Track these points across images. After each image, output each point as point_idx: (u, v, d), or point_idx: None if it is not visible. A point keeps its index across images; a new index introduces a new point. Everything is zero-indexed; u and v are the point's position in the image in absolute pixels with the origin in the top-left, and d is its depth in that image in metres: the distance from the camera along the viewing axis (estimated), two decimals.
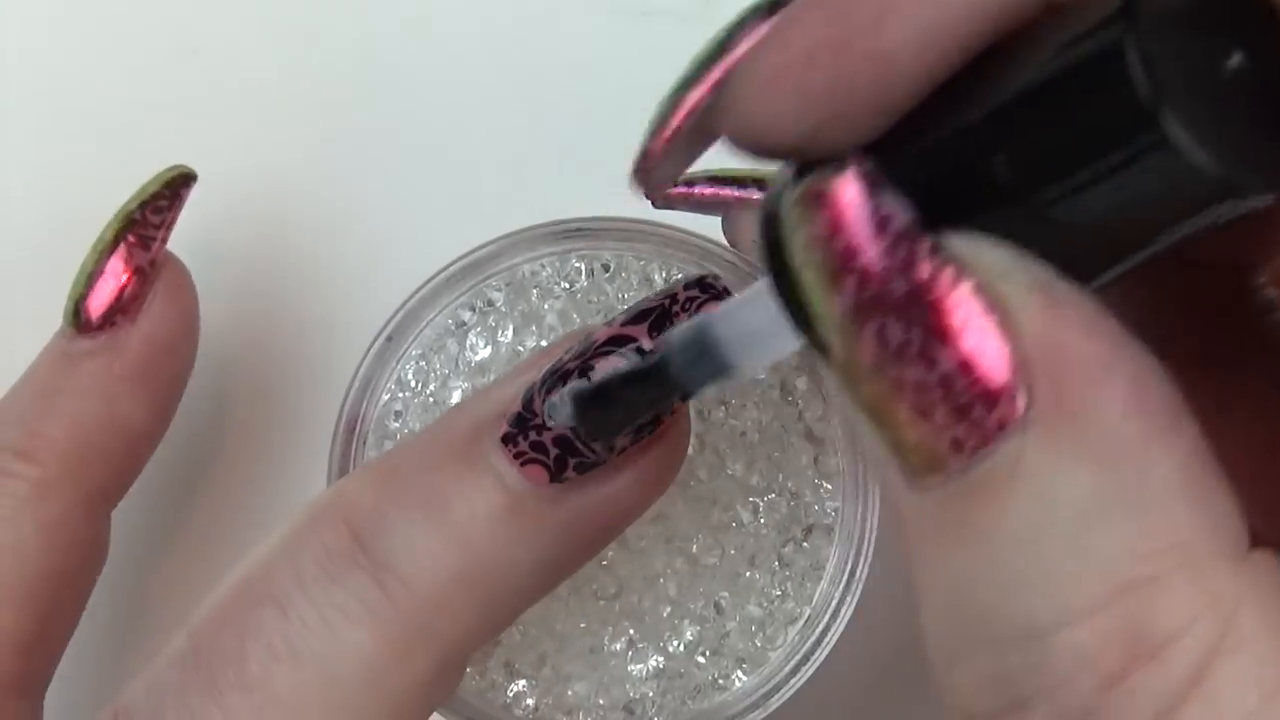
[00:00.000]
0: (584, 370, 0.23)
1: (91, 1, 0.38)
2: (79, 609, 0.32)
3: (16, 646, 0.29)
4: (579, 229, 0.30)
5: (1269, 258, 0.23)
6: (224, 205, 0.33)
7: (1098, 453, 0.16)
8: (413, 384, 0.30)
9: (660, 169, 0.22)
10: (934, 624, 0.18)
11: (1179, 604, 0.16)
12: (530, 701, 0.30)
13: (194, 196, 0.34)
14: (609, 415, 0.23)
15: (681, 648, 0.30)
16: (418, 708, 0.24)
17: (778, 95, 0.19)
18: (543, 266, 0.30)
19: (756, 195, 0.31)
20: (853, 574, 0.29)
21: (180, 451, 0.36)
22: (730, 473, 0.30)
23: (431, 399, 0.30)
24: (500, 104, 0.37)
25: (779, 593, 0.30)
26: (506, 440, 0.24)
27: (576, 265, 0.30)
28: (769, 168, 0.20)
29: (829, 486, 0.30)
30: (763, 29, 0.20)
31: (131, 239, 0.31)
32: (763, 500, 0.30)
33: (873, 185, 0.17)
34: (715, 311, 0.22)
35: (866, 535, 0.29)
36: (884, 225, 0.17)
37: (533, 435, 0.23)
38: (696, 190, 0.31)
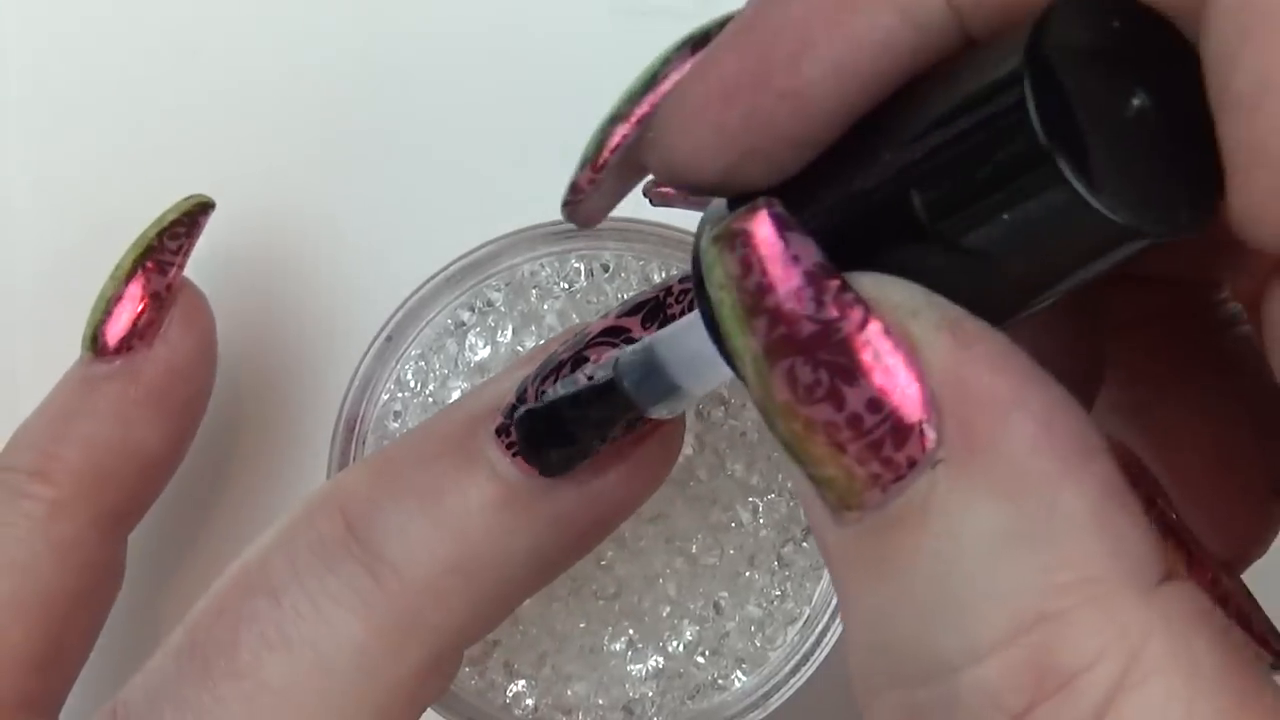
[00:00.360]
0: (577, 361, 0.24)
1: (90, 6, 0.38)
2: (94, 631, 0.32)
3: (29, 665, 0.30)
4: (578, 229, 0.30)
5: (1236, 273, 0.23)
6: (224, 206, 0.33)
7: (1005, 488, 0.17)
8: (412, 384, 0.30)
9: (589, 202, 0.22)
10: (854, 658, 0.18)
11: (1086, 637, 0.16)
12: (530, 701, 0.30)
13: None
14: (561, 438, 0.23)
15: (681, 648, 0.30)
16: (410, 699, 0.24)
17: (697, 131, 0.19)
18: (542, 266, 0.30)
19: None
20: None
21: None
22: (730, 473, 0.30)
23: (431, 399, 0.30)
24: (500, 104, 0.37)
25: (778, 593, 0.30)
26: (500, 431, 0.24)
27: (576, 265, 0.30)
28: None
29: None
30: (687, 65, 0.20)
31: (149, 265, 0.32)
32: (762, 500, 0.30)
33: (782, 225, 0.17)
34: (663, 332, 0.23)
35: None
36: (793, 265, 0.17)
37: None
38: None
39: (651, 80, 0.21)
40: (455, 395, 0.30)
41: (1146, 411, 0.23)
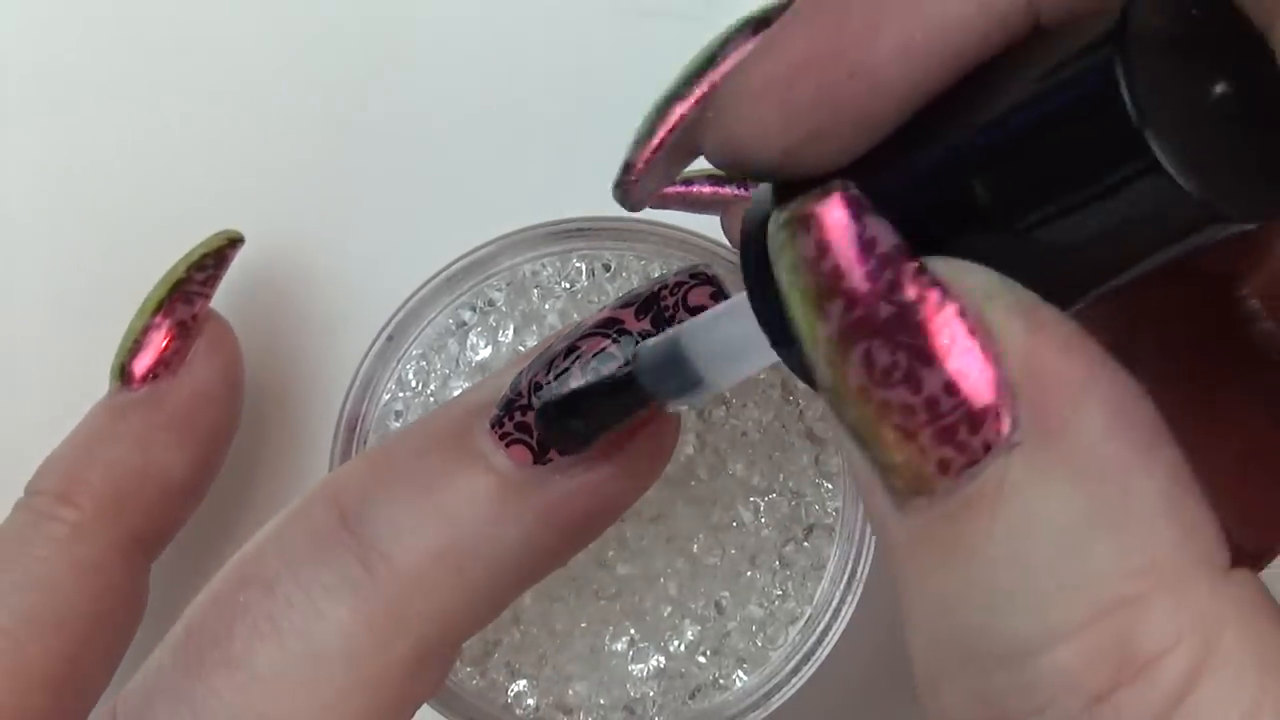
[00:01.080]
0: (570, 351, 0.24)
1: (91, 6, 0.38)
2: (114, 657, 0.32)
3: (44, 683, 0.30)
4: (579, 229, 0.30)
5: (1254, 269, 0.23)
6: (225, 206, 0.33)
7: (1080, 472, 0.17)
8: (413, 383, 0.30)
9: (643, 182, 0.22)
10: (920, 645, 0.18)
11: (1164, 622, 0.16)
12: (531, 701, 0.30)
13: (195, 196, 0.34)
14: (576, 425, 0.24)
15: (682, 647, 0.30)
16: (401, 692, 0.24)
17: (762, 110, 0.19)
18: (543, 266, 0.30)
19: None
20: (854, 573, 0.29)
21: None
22: (731, 472, 0.30)
23: (432, 399, 0.30)
24: (501, 104, 0.37)
25: (780, 592, 0.30)
26: (495, 424, 0.24)
27: (577, 265, 0.30)
28: None
29: (830, 486, 0.30)
30: (749, 45, 0.20)
31: (176, 297, 0.32)
32: (763, 500, 0.30)
33: (858, 208, 0.18)
34: (688, 324, 0.22)
35: (867, 535, 0.29)
36: (870, 248, 0.17)
37: (518, 416, 0.24)
38: (695, 189, 0.31)
39: (711, 59, 0.21)
40: (456, 394, 0.30)
41: (1168, 407, 0.24)
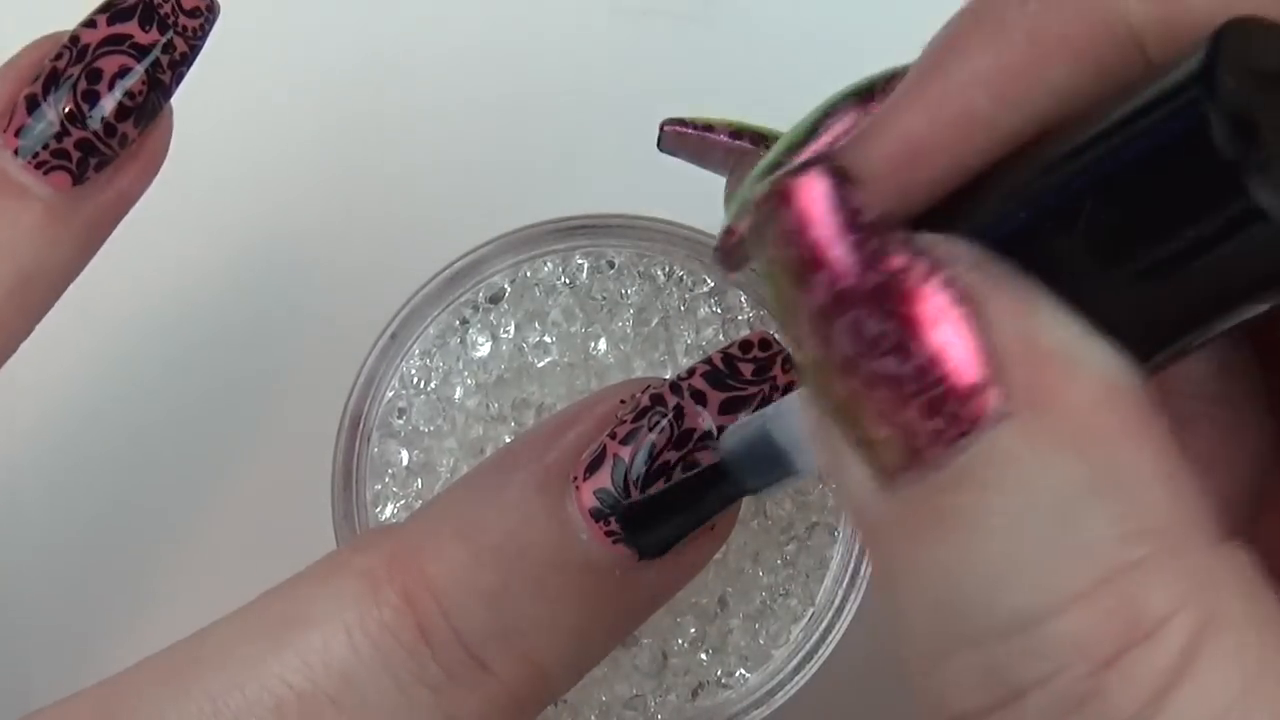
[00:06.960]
0: (688, 465, 0.24)
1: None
2: None
3: None
4: (581, 226, 0.30)
5: None
6: (227, 204, 0.33)
7: (1074, 441, 0.17)
8: (416, 381, 0.30)
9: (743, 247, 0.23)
10: (913, 625, 0.18)
11: (1168, 584, 0.16)
12: None
13: (198, 195, 0.34)
14: (665, 525, 0.24)
15: (685, 644, 0.30)
16: None
17: (881, 187, 0.19)
18: (545, 263, 0.30)
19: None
20: (856, 571, 0.29)
21: (183, 450, 0.36)
22: None
23: (435, 396, 0.30)
24: (501, 103, 0.37)
25: (783, 590, 0.30)
26: (598, 518, 0.24)
27: (579, 262, 0.30)
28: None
29: (834, 485, 0.30)
30: (852, 118, 0.20)
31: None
32: (767, 498, 0.30)
33: (841, 180, 0.17)
34: (771, 412, 0.23)
35: None
36: (854, 219, 0.17)
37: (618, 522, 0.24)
38: (714, 135, 0.30)
39: (812, 130, 0.21)
40: (459, 391, 0.30)
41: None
